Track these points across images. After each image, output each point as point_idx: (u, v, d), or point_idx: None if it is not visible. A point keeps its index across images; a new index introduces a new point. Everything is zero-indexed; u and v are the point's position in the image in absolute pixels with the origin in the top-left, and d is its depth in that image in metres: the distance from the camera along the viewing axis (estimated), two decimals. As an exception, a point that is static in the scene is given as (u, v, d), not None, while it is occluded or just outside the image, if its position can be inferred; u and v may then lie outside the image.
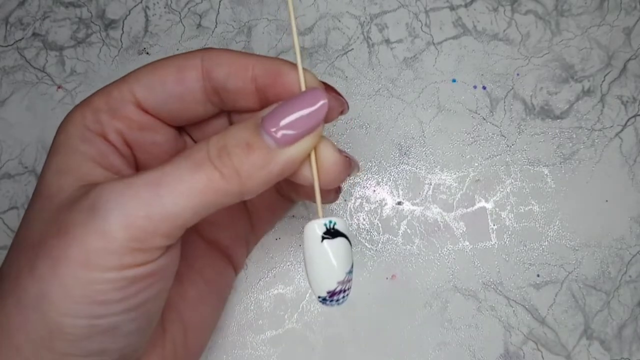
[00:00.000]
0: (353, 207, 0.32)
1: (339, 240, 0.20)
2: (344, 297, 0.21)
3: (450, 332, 0.31)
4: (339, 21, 0.34)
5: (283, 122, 0.19)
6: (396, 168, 0.33)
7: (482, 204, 0.32)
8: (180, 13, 0.35)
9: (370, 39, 0.34)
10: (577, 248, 0.32)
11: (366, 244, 0.32)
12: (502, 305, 0.31)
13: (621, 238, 0.32)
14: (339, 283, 0.20)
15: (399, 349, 0.31)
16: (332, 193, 0.26)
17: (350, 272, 0.21)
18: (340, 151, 0.21)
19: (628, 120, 0.33)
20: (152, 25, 0.34)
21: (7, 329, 0.18)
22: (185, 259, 0.23)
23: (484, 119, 0.33)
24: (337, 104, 0.22)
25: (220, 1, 0.35)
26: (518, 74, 0.34)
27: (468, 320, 0.31)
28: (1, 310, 0.19)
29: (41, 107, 0.33)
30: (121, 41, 0.34)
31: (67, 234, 0.18)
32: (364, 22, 0.34)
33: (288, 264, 0.32)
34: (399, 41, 0.34)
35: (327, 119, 0.20)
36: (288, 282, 0.31)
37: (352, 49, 0.34)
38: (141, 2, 0.35)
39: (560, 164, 0.33)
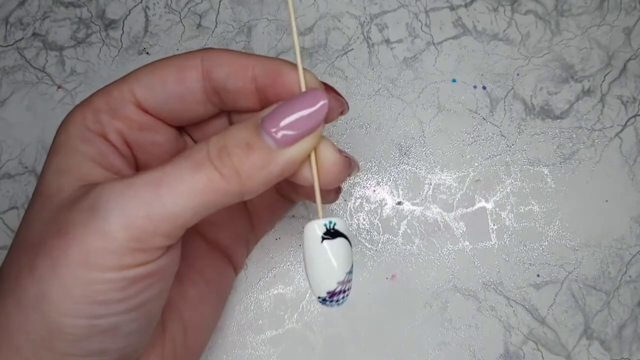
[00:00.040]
0: (353, 207, 0.32)
1: (339, 240, 0.20)
2: (343, 297, 0.21)
3: (450, 332, 0.31)
4: (339, 21, 0.34)
5: (283, 123, 0.19)
6: (396, 168, 0.33)
7: (482, 204, 0.32)
8: (180, 13, 0.35)
9: (370, 39, 0.34)
10: (577, 248, 0.32)
11: (366, 244, 0.32)
12: (502, 305, 0.31)
13: (621, 238, 0.32)
14: (338, 283, 0.20)
15: (399, 349, 0.31)
16: (332, 193, 0.26)
17: (350, 272, 0.21)
18: (340, 151, 0.21)
19: (628, 120, 0.33)
20: (152, 25, 0.34)
21: (7, 329, 0.18)
22: (185, 259, 0.23)
23: (484, 119, 0.33)
24: (337, 105, 0.22)
25: (220, 1, 0.35)
26: (518, 74, 0.34)
27: (468, 320, 0.31)
28: (1, 310, 0.19)
29: (41, 107, 0.33)
30: (121, 41, 0.34)
31: (67, 234, 0.18)
32: (364, 22, 0.34)
33: (288, 264, 0.32)
34: (399, 41, 0.34)
35: (327, 119, 0.20)
36: (288, 282, 0.31)
37: (352, 49, 0.34)
38: (141, 2, 0.35)
39: (560, 164, 0.33)
